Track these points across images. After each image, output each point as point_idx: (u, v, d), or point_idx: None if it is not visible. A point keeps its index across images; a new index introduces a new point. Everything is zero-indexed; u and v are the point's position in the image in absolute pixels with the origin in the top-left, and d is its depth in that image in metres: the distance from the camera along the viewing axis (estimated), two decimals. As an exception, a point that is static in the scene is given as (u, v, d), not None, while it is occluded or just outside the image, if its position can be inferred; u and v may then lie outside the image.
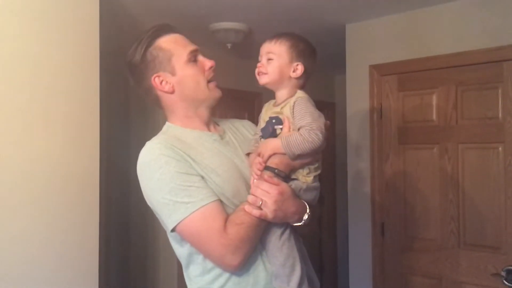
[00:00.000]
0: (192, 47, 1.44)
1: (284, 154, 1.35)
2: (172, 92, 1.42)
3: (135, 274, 3.38)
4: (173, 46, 1.41)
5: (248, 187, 1.38)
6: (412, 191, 2.87)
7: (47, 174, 2.00)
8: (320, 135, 1.33)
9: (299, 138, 1.33)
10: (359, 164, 3.12)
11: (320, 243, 5.00)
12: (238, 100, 3.82)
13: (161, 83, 1.41)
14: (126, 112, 3.34)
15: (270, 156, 1.37)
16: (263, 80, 1.46)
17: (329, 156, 4.94)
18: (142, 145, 1.40)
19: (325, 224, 4.96)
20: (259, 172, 1.35)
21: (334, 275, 5.04)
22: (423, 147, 2.83)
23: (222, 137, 1.48)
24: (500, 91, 2.53)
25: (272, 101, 1.52)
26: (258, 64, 1.47)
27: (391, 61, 2.94)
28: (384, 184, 2.99)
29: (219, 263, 1.29)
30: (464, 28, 2.65)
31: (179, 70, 1.41)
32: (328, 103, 4.95)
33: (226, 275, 1.31)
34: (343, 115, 3.35)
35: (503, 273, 2.45)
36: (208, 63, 1.45)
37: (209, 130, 1.48)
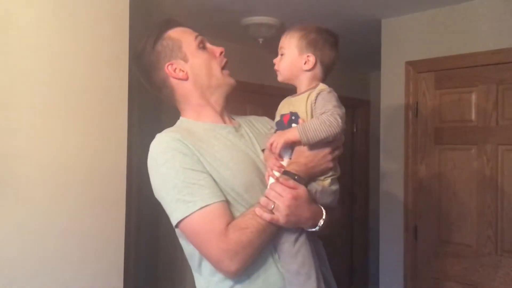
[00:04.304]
0: (198, 35, 1.45)
1: (299, 144, 1.28)
2: (186, 79, 1.41)
3: (163, 270, 3.39)
4: (181, 35, 1.43)
5: (263, 181, 1.33)
6: (447, 193, 2.76)
7: (73, 170, 2.01)
8: (340, 120, 1.24)
9: (316, 122, 1.24)
10: (392, 164, 3.04)
11: (351, 243, 4.91)
12: (272, 96, 3.75)
13: (174, 70, 1.41)
14: (158, 108, 3.35)
15: (283, 145, 1.28)
16: (279, 77, 1.42)
17: (362, 154, 4.84)
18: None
19: (357, 224, 4.87)
20: (274, 167, 1.29)
21: (365, 277, 4.95)
22: (460, 148, 2.72)
23: (237, 129, 1.44)
24: (544, 90, 2.41)
25: (291, 96, 1.44)
26: (274, 61, 1.42)
27: (428, 57, 2.84)
28: (418, 185, 2.89)
29: (216, 267, 1.24)
30: (504, 24, 2.53)
31: (191, 56, 1.41)
32: (362, 101, 4.85)
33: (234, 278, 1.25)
34: (378, 113, 3.27)
35: (544, 283, 2.33)
36: (217, 49, 1.46)
37: (223, 122, 1.44)
